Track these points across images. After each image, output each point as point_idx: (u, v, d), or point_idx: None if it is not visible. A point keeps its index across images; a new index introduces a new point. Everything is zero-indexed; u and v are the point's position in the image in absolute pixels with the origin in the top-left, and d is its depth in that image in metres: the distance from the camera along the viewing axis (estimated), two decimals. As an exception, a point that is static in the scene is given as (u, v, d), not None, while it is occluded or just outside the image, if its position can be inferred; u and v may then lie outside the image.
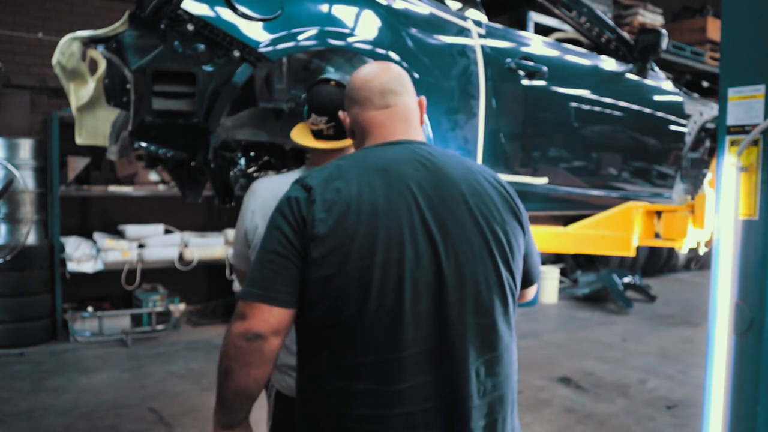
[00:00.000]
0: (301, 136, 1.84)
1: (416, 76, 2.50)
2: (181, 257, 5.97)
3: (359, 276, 1.25)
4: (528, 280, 1.52)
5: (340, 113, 1.53)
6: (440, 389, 1.29)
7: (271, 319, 1.26)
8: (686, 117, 4.04)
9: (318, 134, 1.79)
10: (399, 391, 1.26)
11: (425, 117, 1.54)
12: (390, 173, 1.32)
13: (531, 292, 1.60)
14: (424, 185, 1.32)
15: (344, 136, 1.75)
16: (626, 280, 7.73)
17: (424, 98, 1.52)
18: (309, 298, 1.27)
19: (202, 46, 2.07)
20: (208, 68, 2.09)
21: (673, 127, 3.92)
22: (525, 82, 3.03)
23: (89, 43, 2.28)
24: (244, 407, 1.36)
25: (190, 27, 2.04)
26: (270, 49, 2.13)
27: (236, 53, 2.09)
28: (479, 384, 1.31)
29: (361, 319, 1.25)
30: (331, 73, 1.87)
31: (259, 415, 1.98)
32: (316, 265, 1.26)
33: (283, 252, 1.27)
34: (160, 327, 5.62)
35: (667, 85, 3.96)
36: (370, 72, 1.48)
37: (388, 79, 1.45)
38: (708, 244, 3.08)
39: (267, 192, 1.80)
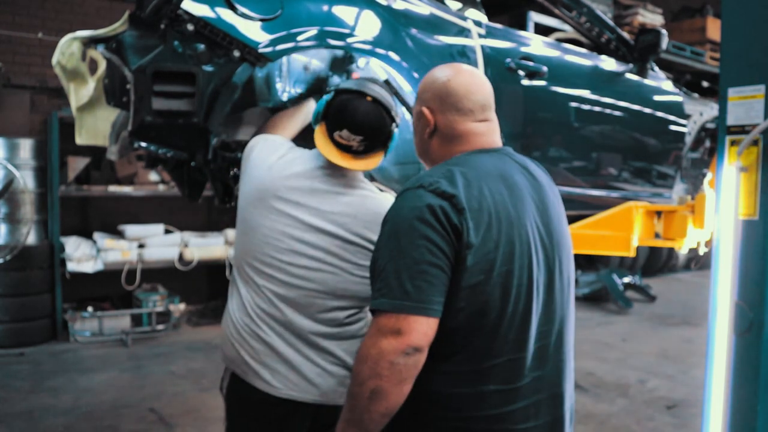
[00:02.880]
0: (326, 147, 1.76)
1: (416, 76, 2.50)
2: (181, 257, 5.97)
3: (501, 282, 1.30)
4: None
5: (424, 109, 1.50)
6: (547, 380, 1.37)
7: (429, 331, 1.25)
8: (686, 117, 4.04)
9: (346, 149, 1.74)
10: (519, 388, 1.33)
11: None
12: (508, 181, 1.39)
13: None
14: (532, 193, 1.42)
15: (372, 151, 1.74)
16: (626, 280, 7.73)
17: None
18: (455, 305, 1.28)
19: (202, 46, 2.07)
20: (208, 68, 2.09)
21: (673, 127, 3.91)
22: (525, 82, 3.03)
23: (89, 43, 2.28)
24: (382, 426, 1.30)
25: (190, 27, 2.04)
26: (270, 49, 2.13)
27: (236, 53, 2.09)
28: (568, 370, 1.44)
29: (500, 322, 1.30)
30: (360, 84, 1.78)
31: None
32: (467, 273, 1.27)
33: (435, 261, 1.26)
34: (160, 327, 5.63)
35: (667, 85, 3.96)
36: (472, 82, 1.50)
37: (489, 94, 1.52)
38: (708, 244, 3.08)
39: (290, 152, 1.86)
